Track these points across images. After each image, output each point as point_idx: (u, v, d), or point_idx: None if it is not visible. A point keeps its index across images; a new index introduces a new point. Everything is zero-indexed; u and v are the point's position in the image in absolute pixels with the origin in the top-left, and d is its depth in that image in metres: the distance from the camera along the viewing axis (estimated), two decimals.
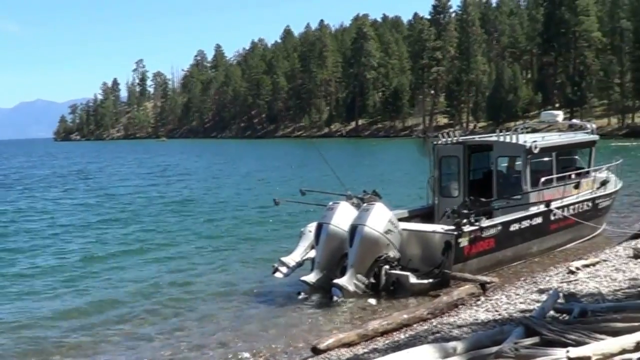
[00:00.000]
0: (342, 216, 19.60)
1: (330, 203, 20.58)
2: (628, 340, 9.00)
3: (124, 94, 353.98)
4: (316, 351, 14.12)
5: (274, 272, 20.23)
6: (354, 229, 18.71)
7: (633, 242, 23.46)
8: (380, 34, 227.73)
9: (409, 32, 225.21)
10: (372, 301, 18.44)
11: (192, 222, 36.18)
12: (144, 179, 70.32)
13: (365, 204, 19.83)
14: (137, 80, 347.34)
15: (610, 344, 9.10)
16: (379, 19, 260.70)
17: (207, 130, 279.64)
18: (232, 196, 48.69)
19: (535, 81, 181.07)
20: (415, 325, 15.53)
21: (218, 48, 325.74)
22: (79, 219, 38.35)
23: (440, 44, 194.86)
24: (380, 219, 18.78)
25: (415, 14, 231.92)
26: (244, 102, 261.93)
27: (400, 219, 20.99)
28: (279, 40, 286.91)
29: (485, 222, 20.62)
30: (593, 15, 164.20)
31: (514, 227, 21.79)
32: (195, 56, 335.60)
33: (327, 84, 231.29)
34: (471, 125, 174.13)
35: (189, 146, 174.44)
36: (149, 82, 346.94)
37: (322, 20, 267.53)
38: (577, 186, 24.93)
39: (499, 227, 21.13)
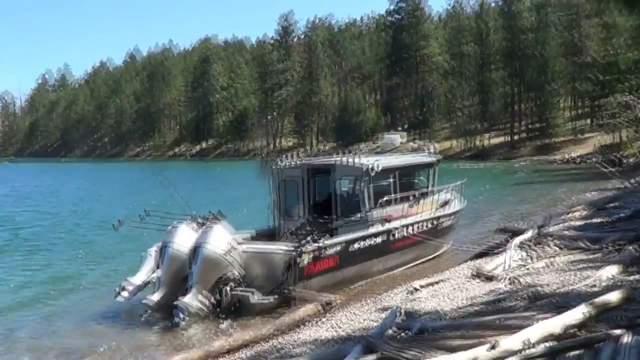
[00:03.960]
0: (185, 237, 19.49)
1: (173, 224, 20.39)
2: (462, 357, 9.08)
3: None
4: None
5: (117, 295, 19.83)
6: (195, 249, 18.60)
7: (474, 262, 23.94)
8: (226, 56, 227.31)
9: (255, 54, 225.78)
10: (216, 321, 18.29)
11: (32, 246, 35.16)
12: None
13: (207, 225, 19.64)
14: None
15: None
16: (227, 41, 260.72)
17: (54, 152, 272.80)
18: (76, 219, 47.55)
19: (382, 104, 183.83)
20: (258, 344, 15.43)
21: (65, 68, 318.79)
22: None
23: (287, 67, 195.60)
24: (221, 239, 18.71)
25: (263, 37, 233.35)
26: (91, 123, 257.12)
27: (244, 240, 20.92)
28: (126, 61, 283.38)
29: (326, 241, 20.66)
30: (437, 40, 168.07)
31: (355, 246, 21.98)
32: (43, 75, 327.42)
33: (174, 106, 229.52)
34: (320, 147, 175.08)
35: (34, 169, 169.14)
36: None
37: (170, 41, 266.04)
38: (418, 206, 25.27)
39: (340, 246, 21.28)
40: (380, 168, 23.80)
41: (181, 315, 18.12)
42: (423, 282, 20.11)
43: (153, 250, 20.67)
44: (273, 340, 15.67)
